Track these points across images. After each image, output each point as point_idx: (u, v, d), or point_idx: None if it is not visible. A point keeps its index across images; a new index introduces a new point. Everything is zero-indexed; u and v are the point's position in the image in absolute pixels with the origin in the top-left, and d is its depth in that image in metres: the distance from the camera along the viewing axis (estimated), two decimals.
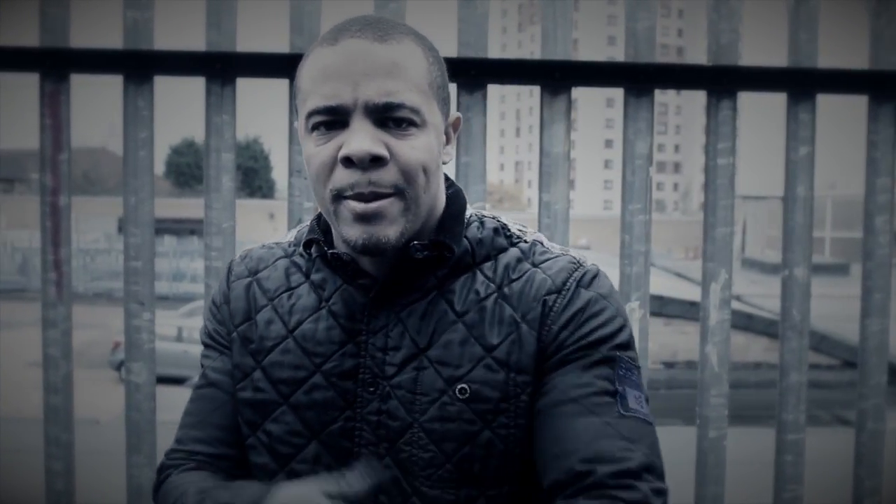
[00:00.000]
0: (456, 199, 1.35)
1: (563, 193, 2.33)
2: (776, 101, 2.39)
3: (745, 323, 15.01)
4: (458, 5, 2.31)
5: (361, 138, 1.18)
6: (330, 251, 1.29)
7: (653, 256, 2.33)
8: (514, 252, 1.33)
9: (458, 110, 2.29)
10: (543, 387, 1.26)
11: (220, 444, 1.36)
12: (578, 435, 1.21)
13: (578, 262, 1.32)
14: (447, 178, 1.37)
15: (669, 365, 15.38)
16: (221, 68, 2.27)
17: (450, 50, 2.34)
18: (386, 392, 1.27)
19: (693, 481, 2.39)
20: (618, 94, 2.35)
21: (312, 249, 1.35)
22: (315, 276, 1.35)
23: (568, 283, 1.29)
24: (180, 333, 19.32)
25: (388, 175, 1.20)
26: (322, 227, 1.36)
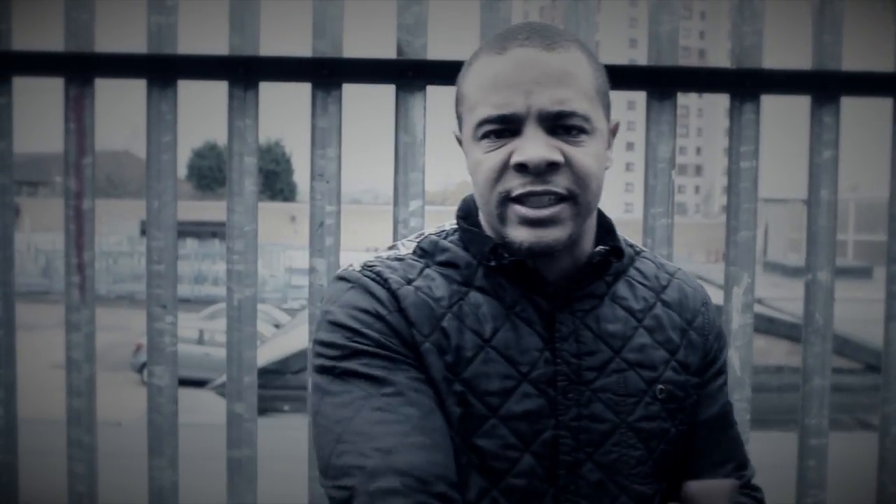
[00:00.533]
0: (601, 211, 1.40)
1: None
2: (797, 103, 2.38)
3: (766, 326, 14.92)
4: (480, 8, 2.31)
5: (536, 145, 1.20)
6: (511, 259, 1.27)
7: (674, 259, 2.32)
8: (647, 262, 1.43)
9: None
10: (704, 396, 1.39)
11: (448, 452, 1.21)
12: (731, 445, 1.42)
13: (693, 278, 1.47)
14: None
15: None
16: (244, 72, 2.27)
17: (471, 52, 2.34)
18: (587, 397, 1.29)
19: None
20: (639, 96, 2.34)
21: (489, 256, 1.29)
22: (484, 284, 1.30)
23: (706, 296, 1.44)
24: (202, 336, 19.43)
25: (562, 180, 1.22)
26: (469, 236, 1.35)
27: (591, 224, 1.35)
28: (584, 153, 1.23)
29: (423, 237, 1.38)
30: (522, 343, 1.28)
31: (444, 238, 1.37)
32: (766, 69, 2.32)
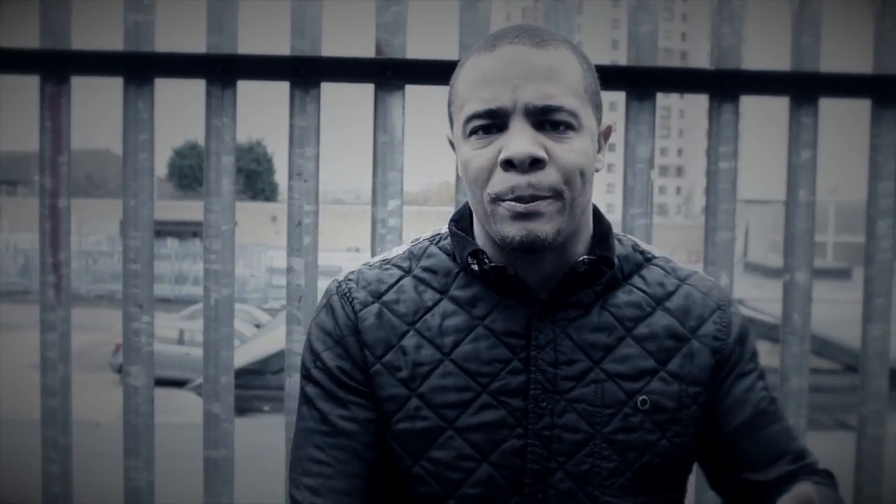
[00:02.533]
0: (600, 216, 1.40)
1: None
2: (779, 105, 2.38)
3: None
4: (459, 8, 2.30)
5: (521, 140, 1.21)
6: (491, 264, 1.29)
7: None
8: (655, 269, 1.41)
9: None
10: (730, 404, 1.38)
11: (363, 496, 1.32)
12: (780, 439, 1.39)
13: (714, 280, 1.45)
14: None
15: None
16: (222, 71, 2.26)
17: (451, 52, 2.34)
18: (561, 407, 1.29)
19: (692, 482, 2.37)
20: (619, 97, 2.34)
21: (470, 262, 1.32)
22: (458, 293, 1.33)
23: (723, 301, 1.41)
24: (182, 336, 19.34)
25: (547, 177, 1.23)
26: (455, 240, 1.36)
27: (584, 228, 1.35)
28: (569, 150, 1.24)
29: (417, 241, 1.42)
30: (485, 355, 1.30)
31: (437, 242, 1.40)
32: (745, 70, 2.32)
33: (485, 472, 1.28)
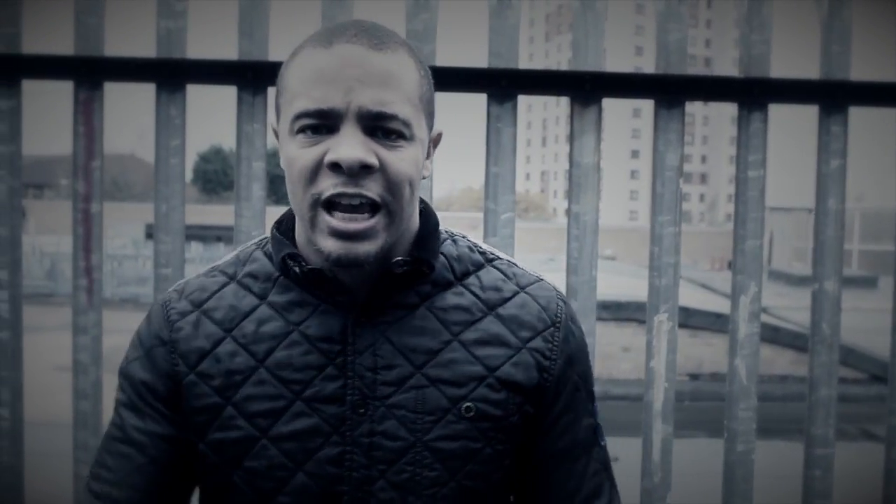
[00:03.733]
0: (429, 215, 1.34)
1: (592, 205, 2.32)
2: (801, 112, 2.38)
3: (771, 335, 14.90)
4: (489, 16, 2.31)
5: (352, 144, 1.15)
6: (308, 267, 1.25)
7: (679, 267, 2.32)
8: (494, 271, 1.35)
9: (487, 120, 2.30)
10: (550, 425, 1.33)
11: None
12: (580, 475, 1.34)
13: (557, 290, 1.38)
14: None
15: (694, 377, 15.29)
16: (253, 77, 2.28)
17: (480, 60, 2.34)
18: (381, 413, 1.25)
19: (718, 494, 2.37)
20: (644, 104, 2.36)
21: (289, 264, 1.27)
22: (278, 298, 1.29)
23: (559, 316, 1.34)
24: None
25: (374, 184, 1.17)
26: (285, 237, 1.32)
27: (407, 231, 1.29)
28: (399, 159, 1.18)
29: (245, 247, 1.38)
30: (299, 361, 1.26)
31: (263, 247, 1.36)
32: (774, 78, 2.32)
33: (299, 480, 1.25)
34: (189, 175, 64.88)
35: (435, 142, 1.33)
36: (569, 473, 1.33)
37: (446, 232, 1.37)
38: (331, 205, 1.18)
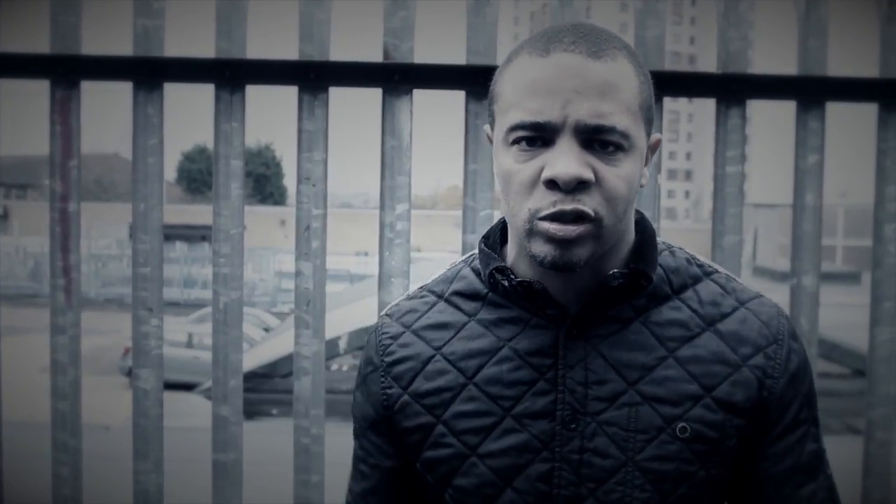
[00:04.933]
0: (646, 225, 1.31)
1: None
2: (787, 108, 2.38)
3: None
4: (466, 13, 2.31)
5: (568, 161, 1.13)
6: (517, 280, 1.23)
7: None
8: (713, 286, 1.29)
9: (466, 117, 2.30)
10: (771, 446, 1.27)
11: None
12: (803, 501, 1.27)
13: (778, 307, 1.31)
14: None
15: None
16: (231, 75, 2.27)
17: (458, 57, 2.34)
18: (591, 429, 1.22)
19: None
20: None
21: (496, 278, 1.26)
22: (487, 315, 1.28)
23: (781, 333, 1.27)
24: (191, 339, 19.34)
25: (591, 200, 1.14)
26: (494, 252, 1.31)
27: (622, 241, 1.25)
28: (616, 174, 1.15)
29: (454, 264, 1.38)
30: (507, 377, 1.24)
31: (470, 263, 1.35)
32: (752, 74, 2.33)
33: (508, 497, 1.23)
34: (174, 175, 64.71)
35: (653, 148, 1.28)
36: (790, 499, 1.26)
37: (664, 243, 1.33)
38: (548, 218, 1.16)
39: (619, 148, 1.16)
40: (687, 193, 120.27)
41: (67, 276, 2.32)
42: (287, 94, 2.35)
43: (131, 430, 2.35)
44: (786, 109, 2.42)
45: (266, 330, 21.26)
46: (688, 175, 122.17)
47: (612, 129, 1.14)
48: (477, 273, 1.32)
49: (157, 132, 2.31)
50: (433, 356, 1.29)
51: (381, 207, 2.32)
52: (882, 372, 2.36)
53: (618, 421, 1.22)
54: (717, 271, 1.32)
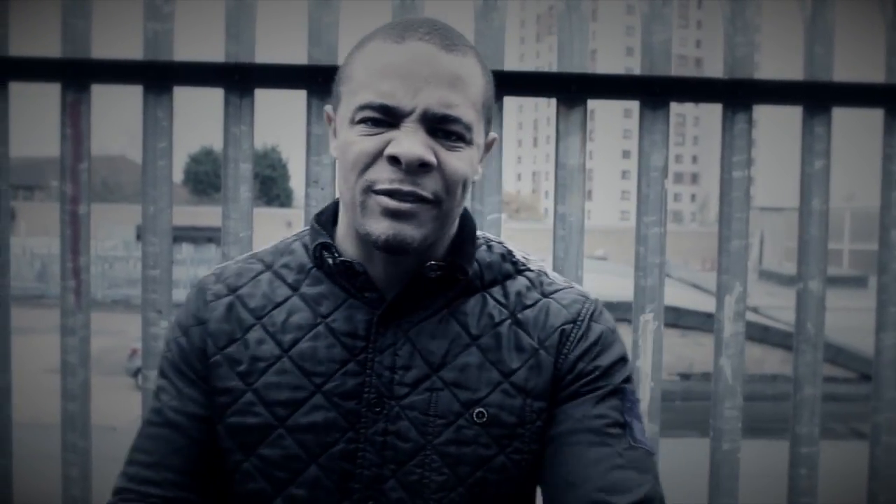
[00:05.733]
0: (468, 220, 1.35)
1: (578, 205, 2.34)
2: (794, 113, 2.39)
3: (761, 335, 14.94)
4: (474, 18, 2.32)
5: (414, 142, 1.16)
6: (340, 258, 1.26)
7: (670, 268, 2.34)
8: (522, 280, 1.34)
9: None
10: (558, 415, 1.27)
11: (177, 488, 1.30)
12: (592, 464, 1.22)
13: (586, 295, 1.35)
14: None
15: (685, 377, 15.33)
16: (240, 79, 2.29)
17: None
18: (395, 413, 1.25)
19: (707, 493, 2.39)
20: (635, 104, 2.35)
21: (321, 254, 1.30)
22: (309, 290, 1.31)
23: (581, 315, 1.31)
24: None
25: (431, 182, 1.18)
26: (325, 229, 1.33)
27: (446, 234, 1.29)
28: (457, 160, 1.20)
29: (287, 237, 1.41)
30: (322, 354, 1.27)
31: (301, 238, 1.38)
32: (758, 79, 2.33)
33: (312, 473, 1.25)
34: (180, 176, 64.80)
35: (489, 146, 1.32)
36: (576, 458, 1.23)
37: (483, 237, 1.37)
38: (384, 193, 1.18)
39: (461, 138, 1.20)
40: (693, 197, 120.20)
41: (77, 278, 2.34)
42: (293, 96, 2.36)
43: (136, 431, 2.36)
44: (792, 113, 2.43)
45: None
46: (694, 178, 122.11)
47: (457, 120, 1.19)
48: (306, 248, 1.35)
49: (167, 135, 2.32)
50: (253, 325, 1.30)
51: None
52: (888, 376, 2.37)
53: (419, 406, 1.25)
54: (529, 269, 1.36)
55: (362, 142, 1.19)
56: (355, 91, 1.21)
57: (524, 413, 1.26)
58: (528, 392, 1.26)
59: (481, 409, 1.25)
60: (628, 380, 1.31)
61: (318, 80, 2.28)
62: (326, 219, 1.35)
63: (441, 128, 1.18)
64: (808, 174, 2.35)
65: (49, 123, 2.33)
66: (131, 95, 2.30)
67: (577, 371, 1.28)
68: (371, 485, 1.25)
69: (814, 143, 2.34)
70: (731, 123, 2.34)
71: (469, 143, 1.21)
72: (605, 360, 1.29)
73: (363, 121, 1.19)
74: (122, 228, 38.82)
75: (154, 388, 1.37)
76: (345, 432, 1.25)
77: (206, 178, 62.91)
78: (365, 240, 1.22)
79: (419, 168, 1.17)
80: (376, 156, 1.18)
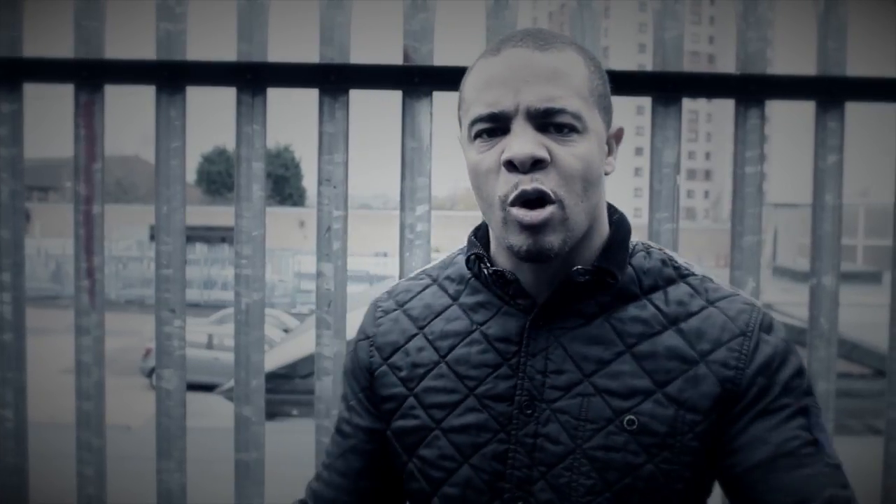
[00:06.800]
0: (621, 225, 1.35)
1: None
2: (809, 108, 2.38)
3: None
4: (486, 16, 2.32)
5: (523, 141, 1.19)
6: (493, 268, 1.30)
7: None
8: (684, 287, 1.32)
9: None
10: (740, 437, 1.25)
11: (337, 490, 1.44)
12: (805, 485, 1.21)
13: (752, 303, 1.31)
14: (611, 206, 1.37)
15: None
16: (252, 79, 2.29)
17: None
18: (546, 416, 1.27)
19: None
20: (647, 101, 2.35)
21: (474, 265, 1.35)
22: (467, 300, 1.36)
23: (751, 326, 1.28)
24: (211, 340, 19.46)
25: (548, 180, 1.20)
26: (481, 242, 1.37)
27: (596, 235, 1.30)
28: (571, 153, 1.21)
29: (451, 252, 1.46)
30: (475, 359, 1.32)
31: (464, 252, 1.41)
32: (771, 74, 2.32)
33: (465, 473, 1.30)
34: (193, 176, 64.98)
35: (616, 137, 1.34)
36: (782, 486, 1.21)
37: (642, 244, 1.36)
38: (516, 203, 1.21)
39: (572, 129, 1.22)
40: (706, 193, 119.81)
41: (91, 278, 2.35)
42: (305, 95, 2.36)
43: (152, 431, 2.37)
44: (806, 108, 2.42)
45: (285, 331, 21.35)
46: (707, 175, 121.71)
47: (562, 111, 1.21)
48: (468, 260, 1.39)
49: (180, 135, 2.33)
50: (416, 334, 1.38)
51: (402, 209, 2.33)
52: None
53: (570, 409, 1.26)
54: (693, 274, 1.34)
55: (483, 159, 1.24)
56: (467, 110, 1.27)
57: (675, 424, 1.25)
58: (681, 403, 1.25)
59: (632, 417, 1.25)
60: (809, 391, 1.29)
61: (329, 79, 2.29)
62: (484, 233, 1.39)
63: (549, 122, 1.21)
64: (821, 169, 2.34)
65: (63, 124, 2.34)
66: (146, 95, 2.31)
67: (758, 388, 1.25)
68: (521, 485, 1.28)
69: (827, 139, 2.33)
70: (743, 119, 2.33)
71: (582, 132, 1.23)
72: (784, 375, 1.26)
73: (478, 135, 1.24)
74: (136, 228, 38.96)
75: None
76: (496, 433, 1.29)
77: (219, 178, 63.06)
78: (510, 251, 1.25)
79: (534, 165, 1.20)
80: (497, 168, 1.22)
